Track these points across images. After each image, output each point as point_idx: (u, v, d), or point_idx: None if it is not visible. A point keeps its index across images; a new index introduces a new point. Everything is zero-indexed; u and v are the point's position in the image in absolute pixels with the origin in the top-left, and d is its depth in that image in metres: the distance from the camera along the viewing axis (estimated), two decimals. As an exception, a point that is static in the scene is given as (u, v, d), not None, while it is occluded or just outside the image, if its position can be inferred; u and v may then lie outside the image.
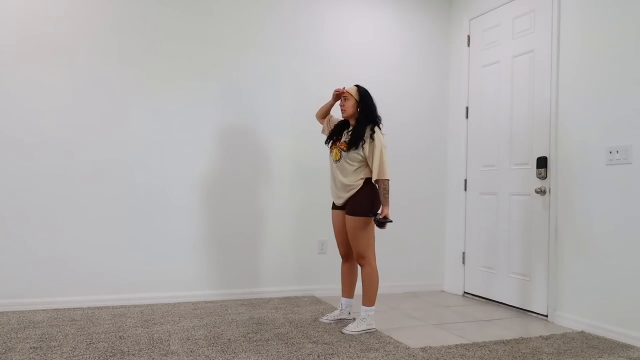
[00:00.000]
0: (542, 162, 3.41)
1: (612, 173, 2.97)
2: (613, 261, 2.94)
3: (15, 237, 3.20)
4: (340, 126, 3.08)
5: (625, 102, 2.92)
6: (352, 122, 3.01)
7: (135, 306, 3.35)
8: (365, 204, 2.87)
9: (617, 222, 2.93)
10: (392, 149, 4.20)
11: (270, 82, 3.85)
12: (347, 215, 2.92)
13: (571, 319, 3.17)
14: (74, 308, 3.26)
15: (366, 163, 2.91)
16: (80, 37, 3.35)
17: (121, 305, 3.36)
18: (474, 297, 4.05)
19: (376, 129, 2.90)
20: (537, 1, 3.54)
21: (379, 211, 2.86)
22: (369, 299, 2.91)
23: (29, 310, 3.16)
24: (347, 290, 3.12)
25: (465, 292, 4.16)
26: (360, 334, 2.83)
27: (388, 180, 2.86)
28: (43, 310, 3.19)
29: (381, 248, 4.13)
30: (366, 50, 4.17)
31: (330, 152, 3.04)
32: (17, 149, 3.21)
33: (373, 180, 2.87)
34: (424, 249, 4.32)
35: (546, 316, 3.37)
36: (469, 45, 4.22)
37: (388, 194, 2.85)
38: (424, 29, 4.38)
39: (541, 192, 3.40)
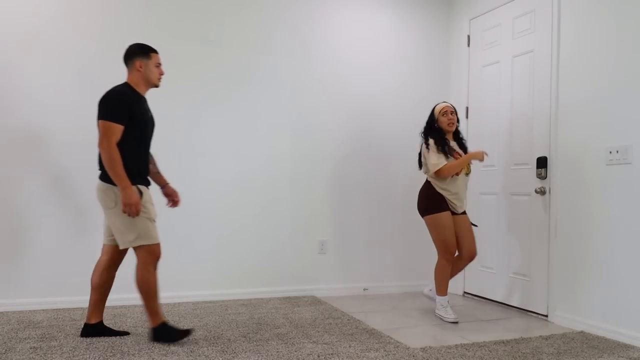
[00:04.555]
0: (542, 162, 3.41)
1: (612, 173, 2.97)
2: (613, 261, 2.94)
3: (16, 237, 3.20)
4: (443, 141, 3.27)
5: (625, 102, 2.92)
6: (450, 136, 3.34)
7: (135, 306, 3.34)
8: None
9: (616, 222, 2.93)
10: (392, 149, 4.20)
11: (270, 82, 3.85)
12: (467, 217, 3.38)
13: (571, 319, 3.17)
14: (74, 308, 3.26)
15: None
16: (83, 37, 3.35)
17: (121, 305, 3.35)
18: (474, 297, 4.05)
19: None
20: (537, 1, 3.54)
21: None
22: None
23: (29, 310, 3.16)
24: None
25: (465, 292, 4.16)
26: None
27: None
28: (43, 310, 3.19)
29: (381, 248, 4.14)
30: (366, 50, 4.16)
31: None
32: (18, 149, 3.21)
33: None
34: (424, 249, 4.31)
35: (546, 316, 3.37)
36: (469, 45, 4.22)
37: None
38: (423, 29, 4.38)
39: (541, 192, 3.40)
